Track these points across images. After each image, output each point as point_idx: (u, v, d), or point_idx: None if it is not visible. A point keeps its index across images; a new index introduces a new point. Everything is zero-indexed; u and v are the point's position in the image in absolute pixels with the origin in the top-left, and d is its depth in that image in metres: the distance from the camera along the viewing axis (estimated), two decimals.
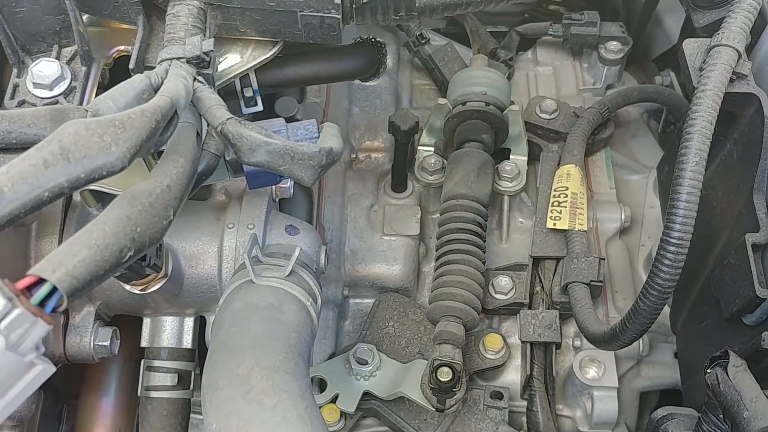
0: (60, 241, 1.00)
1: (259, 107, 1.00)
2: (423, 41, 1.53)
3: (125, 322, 1.14)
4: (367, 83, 1.51)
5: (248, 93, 0.96)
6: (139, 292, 0.95)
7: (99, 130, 0.61)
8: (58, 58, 0.91)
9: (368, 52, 1.17)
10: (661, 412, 0.96)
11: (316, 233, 1.07)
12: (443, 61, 1.53)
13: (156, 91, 0.77)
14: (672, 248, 0.93)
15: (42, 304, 0.55)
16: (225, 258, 1.02)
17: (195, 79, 0.80)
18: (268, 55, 0.91)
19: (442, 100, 1.38)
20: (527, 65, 1.66)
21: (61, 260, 0.56)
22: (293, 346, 0.84)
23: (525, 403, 1.29)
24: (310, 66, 1.00)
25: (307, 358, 0.87)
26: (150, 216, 0.63)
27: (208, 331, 1.08)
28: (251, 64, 0.92)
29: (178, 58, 0.80)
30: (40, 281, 0.55)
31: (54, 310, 0.55)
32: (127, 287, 0.96)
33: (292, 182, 1.10)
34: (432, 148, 1.45)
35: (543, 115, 1.46)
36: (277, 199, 1.10)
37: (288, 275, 0.92)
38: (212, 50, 0.81)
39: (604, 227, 1.41)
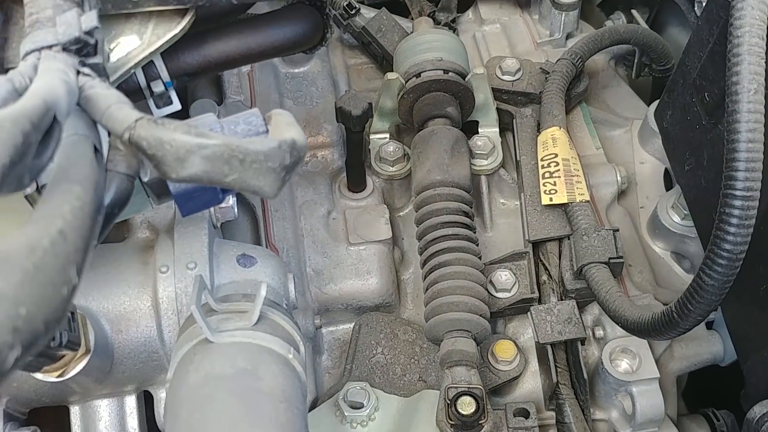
0: None
1: (176, 106, 0.74)
2: (353, 11, 1.30)
3: (49, 412, 0.87)
4: (297, 70, 1.28)
5: (157, 88, 0.70)
6: (56, 379, 0.70)
7: None
8: None
9: (306, 12, 0.90)
10: (759, 410, 0.76)
11: (278, 258, 0.83)
12: (380, 32, 1.30)
13: None
14: (738, 202, 0.74)
15: None
16: (164, 313, 0.77)
17: (79, 72, 0.55)
18: (176, 31, 0.66)
19: (391, 75, 1.15)
20: (471, 26, 1.46)
21: None
22: (285, 424, 0.60)
23: (552, 413, 1.08)
24: (236, 40, 0.74)
25: None
26: (38, 285, 0.38)
27: (157, 409, 0.82)
28: (155, 46, 0.66)
29: (50, 47, 0.55)
30: None
31: None
32: (40, 376, 0.70)
33: (235, 200, 0.85)
34: (387, 135, 1.22)
35: (506, 77, 1.26)
36: (218, 225, 0.85)
37: (256, 323, 0.68)
38: (97, 26, 0.55)
39: (601, 194, 1.22)
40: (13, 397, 0.80)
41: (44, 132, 0.45)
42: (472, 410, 0.89)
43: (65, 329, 0.63)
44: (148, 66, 0.70)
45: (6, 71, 0.61)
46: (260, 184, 0.54)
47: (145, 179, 0.63)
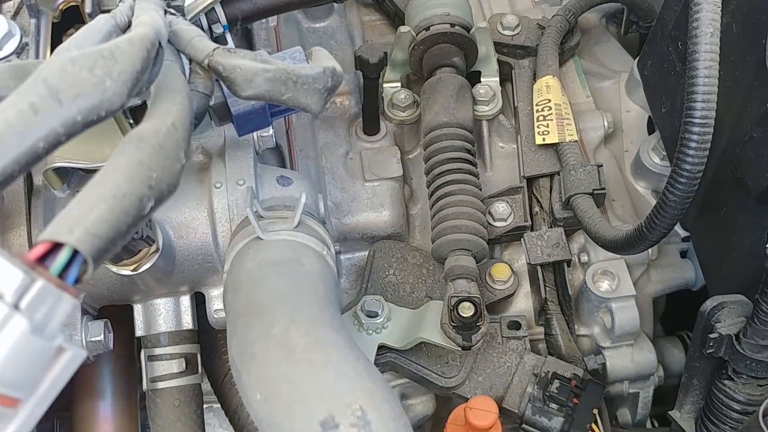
0: (30, 233, 0.88)
1: (230, 46, 0.89)
2: None
3: (108, 316, 1.03)
4: (317, 25, 1.41)
5: (217, 30, 0.85)
6: (130, 272, 0.85)
7: (87, 63, 0.51)
8: None
9: None
10: (710, 303, 0.91)
11: (309, 180, 0.98)
12: None
13: (124, 32, 0.66)
14: (696, 128, 0.88)
15: (62, 274, 0.44)
16: (218, 221, 0.92)
17: (166, 11, 0.69)
18: None
19: (404, 28, 1.29)
20: None
21: (77, 218, 0.45)
22: (323, 297, 0.75)
23: (541, 329, 1.24)
24: None
25: (338, 309, 0.78)
26: (162, 158, 0.53)
27: (209, 307, 0.98)
28: None
29: None
30: (56, 247, 0.45)
31: (78, 280, 0.45)
32: (115, 269, 0.85)
33: (273, 131, 1.00)
34: (398, 84, 1.36)
35: (506, 32, 1.39)
36: (260, 151, 1.00)
37: (296, 226, 0.83)
38: None
39: (589, 137, 1.36)
40: (89, 294, 0.95)
41: (155, 53, 0.59)
42: (471, 313, 1.05)
43: (144, 225, 0.78)
44: (209, 11, 0.84)
45: (102, 12, 0.76)
46: (308, 101, 0.69)
47: (211, 103, 0.77)
